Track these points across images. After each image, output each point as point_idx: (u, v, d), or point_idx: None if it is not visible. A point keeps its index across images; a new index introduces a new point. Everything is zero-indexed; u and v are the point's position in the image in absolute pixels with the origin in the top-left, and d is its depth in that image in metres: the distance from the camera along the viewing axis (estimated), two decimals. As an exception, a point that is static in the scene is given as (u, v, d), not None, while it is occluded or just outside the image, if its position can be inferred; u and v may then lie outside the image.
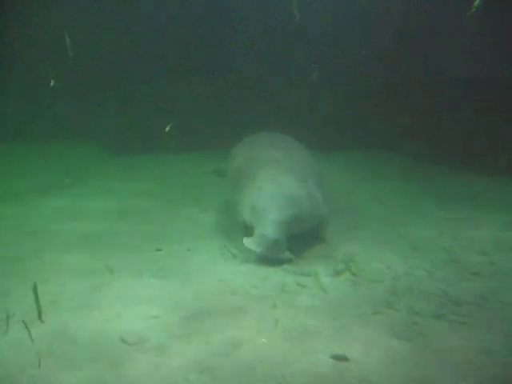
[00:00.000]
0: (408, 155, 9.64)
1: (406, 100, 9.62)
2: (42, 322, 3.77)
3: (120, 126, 10.39)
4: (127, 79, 10.36)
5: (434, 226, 6.37)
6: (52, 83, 6.33)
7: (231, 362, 3.66)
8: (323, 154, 8.83)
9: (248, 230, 5.59)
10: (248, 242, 5.35)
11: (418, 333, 3.99)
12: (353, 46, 9.72)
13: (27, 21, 9.95)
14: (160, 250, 5.64)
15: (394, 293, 4.66)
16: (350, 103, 10.08)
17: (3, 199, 7.49)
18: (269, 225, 5.23)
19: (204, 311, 4.32)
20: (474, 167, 8.56)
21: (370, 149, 10.22)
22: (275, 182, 5.60)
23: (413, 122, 9.52)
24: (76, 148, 10.64)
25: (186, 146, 9.87)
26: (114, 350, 3.79)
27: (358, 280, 4.93)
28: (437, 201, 7.38)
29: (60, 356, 3.73)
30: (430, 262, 5.34)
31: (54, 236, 6.07)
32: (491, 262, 5.32)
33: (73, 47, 9.94)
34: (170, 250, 5.65)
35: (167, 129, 6.71)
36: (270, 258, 5.22)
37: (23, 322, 3.93)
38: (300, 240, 5.54)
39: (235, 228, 6.08)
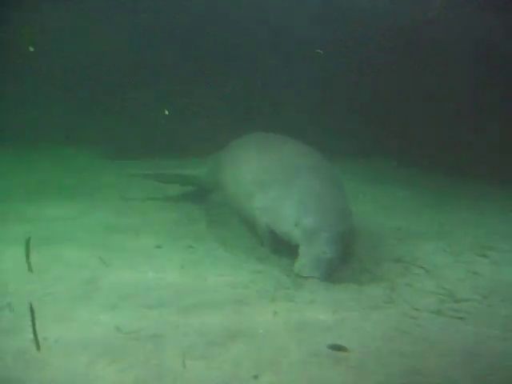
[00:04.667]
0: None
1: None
2: (32, 271, 3.72)
3: (120, 130, 10.36)
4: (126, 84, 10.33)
5: (432, 228, 6.36)
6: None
7: (227, 351, 3.62)
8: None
9: (272, 239, 5.44)
10: (299, 267, 4.84)
11: (416, 326, 3.95)
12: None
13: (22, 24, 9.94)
14: (160, 246, 5.61)
15: (394, 290, 4.63)
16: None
17: None
18: (323, 244, 4.81)
19: (202, 303, 4.29)
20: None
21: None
22: (320, 194, 5.25)
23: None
24: (78, 152, 10.53)
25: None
26: (108, 338, 3.76)
27: (358, 278, 4.89)
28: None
29: (55, 342, 3.70)
30: (430, 261, 5.31)
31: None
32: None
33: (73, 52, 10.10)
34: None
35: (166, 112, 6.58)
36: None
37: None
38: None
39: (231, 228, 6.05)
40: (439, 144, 9.09)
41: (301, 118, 9.88)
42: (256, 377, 3.34)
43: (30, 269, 3.92)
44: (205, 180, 7.23)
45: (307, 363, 3.48)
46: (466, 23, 8.83)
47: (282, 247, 5.41)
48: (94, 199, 7.43)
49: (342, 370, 3.41)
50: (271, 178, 5.57)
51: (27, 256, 3.93)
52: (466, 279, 4.90)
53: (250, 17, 9.88)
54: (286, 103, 10.12)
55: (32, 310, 3.69)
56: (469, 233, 6.16)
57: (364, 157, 9.74)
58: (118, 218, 6.62)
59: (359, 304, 4.34)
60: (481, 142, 8.70)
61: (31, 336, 3.67)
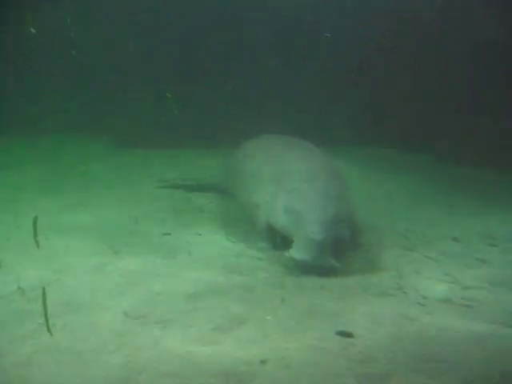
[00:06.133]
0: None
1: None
2: (38, 247, 3.79)
3: (132, 119, 10.41)
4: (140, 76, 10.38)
5: (440, 217, 6.32)
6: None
7: (234, 337, 3.62)
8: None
9: (272, 235, 5.32)
10: (290, 252, 4.70)
11: (425, 313, 3.94)
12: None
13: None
14: (168, 233, 5.63)
15: (402, 277, 4.62)
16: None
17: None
18: (312, 225, 4.68)
19: (209, 289, 4.29)
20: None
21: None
22: (311, 179, 5.19)
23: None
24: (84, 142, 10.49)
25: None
26: (116, 323, 3.78)
27: (365, 266, 4.88)
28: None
29: (63, 327, 3.72)
30: (438, 250, 5.29)
31: None
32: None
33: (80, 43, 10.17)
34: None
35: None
36: (314, 267, 4.62)
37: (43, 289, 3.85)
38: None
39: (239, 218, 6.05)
40: (452, 134, 9.04)
41: (312, 115, 9.89)
42: (263, 362, 3.35)
43: (37, 246, 4.01)
44: (220, 183, 7.24)
45: (315, 349, 3.48)
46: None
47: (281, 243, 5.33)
48: (105, 187, 7.47)
49: (350, 355, 3.40)
50: (268, 175, 5.59)
51: (35, 234, 4.00)
52: (474, 267, 4.88)
53: (250, 17, 9.89)
54: (297, 100, 10.10)
55: (44, 296, 3.71)
56: (479, 222, 6.12)
57: (381, 147, 9.69)
58: (128, 205, 6.64)
59: (367, 291, 4.33)
60: (494, 132, 8.63)
61: (40, 321, 3.70)
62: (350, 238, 5.12)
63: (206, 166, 8.48)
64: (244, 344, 3.55)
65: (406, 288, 4.39)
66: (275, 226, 5.21)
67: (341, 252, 4.93)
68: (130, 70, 10.37)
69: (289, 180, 5.28)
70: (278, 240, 5.25)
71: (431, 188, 7.70)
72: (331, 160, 6.03)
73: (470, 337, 3.59)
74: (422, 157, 9.17)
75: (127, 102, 10.49)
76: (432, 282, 4.53)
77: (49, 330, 3.60)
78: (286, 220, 4.99)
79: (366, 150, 9.53)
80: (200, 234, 5.64)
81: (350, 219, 5.20)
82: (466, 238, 5.62)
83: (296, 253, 4.66)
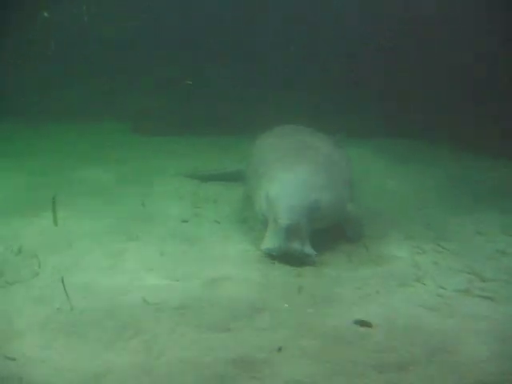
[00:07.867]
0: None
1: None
2: (56, 225, 3.86)
3: (151, 106, 10.39)
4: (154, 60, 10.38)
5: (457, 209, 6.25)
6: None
7: (251, 324, 3.63)
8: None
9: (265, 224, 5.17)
10: (263, 241, 4.66)
11: (443, 304, 3.92)
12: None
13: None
14: (186, 221, 5.63)
15: (421, 268, 4.59)
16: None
17: None
18: (282, 211, 4.58)
19: (227, 276, 4.30)
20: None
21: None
22: (291, 168, 5.08)
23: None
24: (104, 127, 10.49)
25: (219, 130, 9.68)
26: (134, 309, 3.80)
27: (384, 257, 4.85)
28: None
29: (81, 311, 3.75)
30: (458, 241, 5.24)
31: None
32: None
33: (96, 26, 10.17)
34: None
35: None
36: (289, 255, 4.53)
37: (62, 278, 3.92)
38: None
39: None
40: (474, 127, 8.94)
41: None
42: (280, 349, 3.35)
43: (55, 223, 4.10)
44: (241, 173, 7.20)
45: (331, 337, 3.48)
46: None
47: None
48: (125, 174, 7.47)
49: (367, 345, 3.40)
50: (262, 165, 5.54)
51: (54, 213, 4.09)
52: (494, 259, 4.83)
53: (251, 12, 9.84)
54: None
55: (63, 280, 3.78)
56: (501, 213, 6.03)
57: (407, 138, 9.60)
58: (145, 191, 6.64)
59: (385, 281, 4.31)
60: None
61: (59, 306, 3.75)
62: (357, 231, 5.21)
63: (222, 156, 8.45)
64: (261, 331, 3.56)
65: (425, 279, 4.36)
66: (263, 214, 5.14)
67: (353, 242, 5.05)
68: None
69: (273, 169, 5.22)
70: None
71: (454, 179, 7.60)
72: (339, 151, 5.90)
73: (490, 329, 3.56)
74: (447, 148, 9.05)
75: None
76: (451, 274, 4.49)
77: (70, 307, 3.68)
78: (265, 209, 4.94)
79: (391, 142, 9.44)
80: (218, 222, 5.64)
81: (338, 212, 5.13)
82: (487, 230, 5.55)
83: (264, 243, 4.62)
